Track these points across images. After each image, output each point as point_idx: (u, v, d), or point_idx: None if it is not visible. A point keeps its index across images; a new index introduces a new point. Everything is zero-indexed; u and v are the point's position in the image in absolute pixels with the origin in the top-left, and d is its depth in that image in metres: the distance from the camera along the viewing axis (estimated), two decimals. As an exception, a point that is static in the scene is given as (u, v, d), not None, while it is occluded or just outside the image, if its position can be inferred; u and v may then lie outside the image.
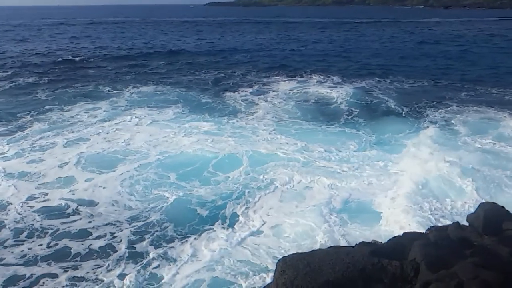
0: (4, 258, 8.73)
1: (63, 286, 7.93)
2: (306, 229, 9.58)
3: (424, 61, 36.82)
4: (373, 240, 6.89)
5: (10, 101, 21.43)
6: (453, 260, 5.40)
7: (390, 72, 30.92)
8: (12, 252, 8.93)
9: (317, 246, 8.68)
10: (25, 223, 10.01)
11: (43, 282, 8.07)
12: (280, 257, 5.91)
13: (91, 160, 13.66)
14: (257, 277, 7.93)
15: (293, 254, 5.86)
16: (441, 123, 17.87)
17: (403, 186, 11.40)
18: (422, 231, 7.01)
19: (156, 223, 10.04)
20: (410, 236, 6.29)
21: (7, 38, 52.84)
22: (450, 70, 32.40)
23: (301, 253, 5.92)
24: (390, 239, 6.36)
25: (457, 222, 6.52)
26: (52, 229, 9.80)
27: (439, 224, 8.52)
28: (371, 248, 5.83)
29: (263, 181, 12.18)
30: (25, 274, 8.28)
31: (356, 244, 6.29)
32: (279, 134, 16.22)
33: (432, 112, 19.72)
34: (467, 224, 6.51)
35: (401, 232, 6.86)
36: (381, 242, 6.68)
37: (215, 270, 8.27)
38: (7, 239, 9.39)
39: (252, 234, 9.51)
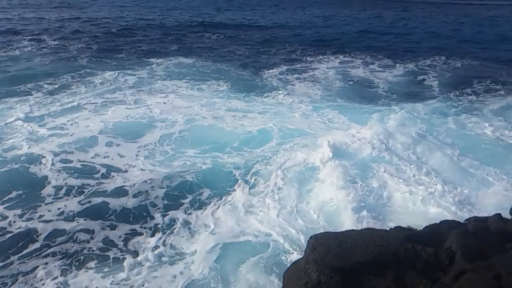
0: (44, 215, 9.09)
1: (99, 248, 8.21)
2: (333, 207, 9.39)
3: (482, 45, 34.81)
4: (408, 226, 6.75)
5: (55, 67, 21.79)
6: (492, 252, 5.23)
7: (443, 54, 29.34)
8: (49, 210, 9.27)
9: (346, 226, 8.49)
10: (59, 181, 10.36)
11: (78, 238, 8.44)
12: (311, 234, 5.87)
13: (122, 126, 13.89)
14: (286, 251, 7.89)
15: (325, 232, 5.84)
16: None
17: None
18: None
19: (181, 191, 10.25)
20: (448, 224, 6.12)
21: (62, 7, 54.14)
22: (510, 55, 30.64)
23: (334, 232, 5.88)
24: (426, 226, 6.21)
25: (499, 214, 6.27)
26: (87, 188, 10.16)
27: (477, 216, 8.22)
28: (406, 233, 5.71)
29: (291, 156, 12.03)
30: (65, 229, 8.65)
31: (391, 228, 6.18)
32: (313, 111, 16.07)
33: (475, 98, 18.91)
34: (510, 217, 6.26)
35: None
36: (416, 229, 6.54)
37: (240, 239, 8.34)
38: (44, 197, 9.75)
39: (281, 208, 9.37)
